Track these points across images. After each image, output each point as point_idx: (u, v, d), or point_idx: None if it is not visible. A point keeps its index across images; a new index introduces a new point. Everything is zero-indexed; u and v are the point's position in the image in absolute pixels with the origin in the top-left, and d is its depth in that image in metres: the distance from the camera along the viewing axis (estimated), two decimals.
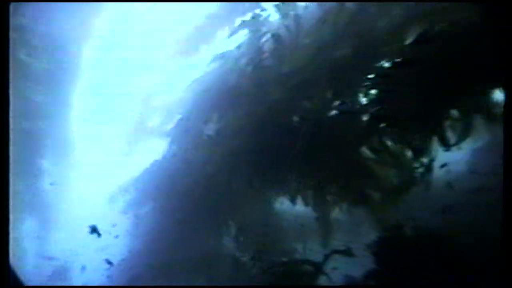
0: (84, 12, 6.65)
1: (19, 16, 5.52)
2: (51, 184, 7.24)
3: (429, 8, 3.73)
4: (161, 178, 6.76)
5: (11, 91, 2.61)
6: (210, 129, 5.84)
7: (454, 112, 3.38)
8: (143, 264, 6.29)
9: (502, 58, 2.93)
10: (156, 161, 7.13)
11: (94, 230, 6.07)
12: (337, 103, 4.14)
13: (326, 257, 4.02)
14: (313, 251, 4.49)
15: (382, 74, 3.80)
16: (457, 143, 3.46)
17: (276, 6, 5.63)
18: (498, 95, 3.34)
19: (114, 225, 6.49)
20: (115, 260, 6.45)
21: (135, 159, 8.09)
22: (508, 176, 2.74)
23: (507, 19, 3.18)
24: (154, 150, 7.09)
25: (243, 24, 5.90)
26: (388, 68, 3.80)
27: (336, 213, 4.30)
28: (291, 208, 4.65)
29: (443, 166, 3.68)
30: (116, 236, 6.67)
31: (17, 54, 6.03)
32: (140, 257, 6.50)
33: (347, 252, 4.05)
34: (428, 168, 3.56)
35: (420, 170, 3.60)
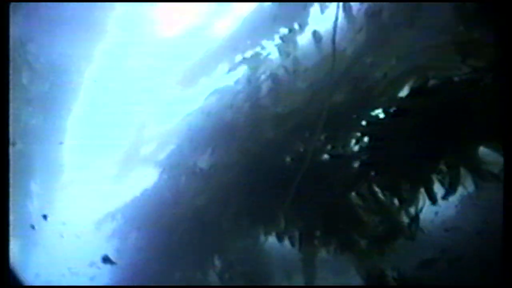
0: (86, 36, 6.74)
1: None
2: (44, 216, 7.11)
3: (424, 63, 3.83)
4: (149, 207, 6.73)
5: None
6: (203, 162, 5.87)
7: (443, 167, 3.41)
8: None
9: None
10: (146, 190, 7.12)
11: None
12: (329, 147, 4.17)
13: None
14: None
15: (375, 122, 3.86)
16: (444, 197, 3.48)
17: (276, 45, 5.76)
18: (487, 153, 3.40)
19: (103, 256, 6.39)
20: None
21: (125, 187, 8.07)
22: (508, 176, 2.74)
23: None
24: (145, 179, 7.09)
25: (243, 61, 6.03)
26: (381, 117, 3.84)
27: (324, 254, 4.29)
28: (279, 246, 4.63)
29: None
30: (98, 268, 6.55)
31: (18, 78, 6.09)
32: None
33: None
34: (414, 218, 3.57)
35: (407, 220, 3.61)
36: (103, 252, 6.76)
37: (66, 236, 7.29)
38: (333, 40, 3.74)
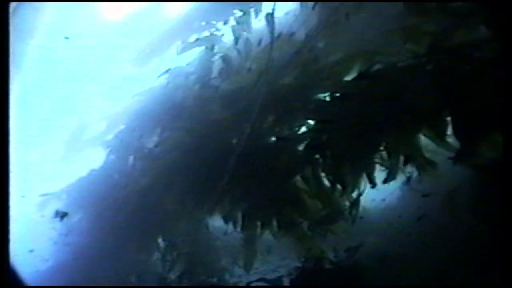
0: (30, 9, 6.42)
1: None
2: None
3: (371, 48, 3.88)
4: (95, 188, 6.55)
5: None
6: (151, 143, 5.75)
7: (383, 153, 3.47)
8: (65, 278, 6.01)
9: None
10: (93, 170, 6.92)
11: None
12: (276, 129, 4.17)
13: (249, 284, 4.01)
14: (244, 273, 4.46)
15: (321, 105, 3.88)
16: (385, 182, 3.54)
17: (232, 27, 5.69)
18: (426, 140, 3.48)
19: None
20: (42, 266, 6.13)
21: (71, 168, 7.81)
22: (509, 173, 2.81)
23: None
24: (93, 159, 6.88)
25: (197, 42, 5.93)
26: (328, 101, 3.87)
27: (269, 237, 4.29)
28: (225, 228, 4.60)
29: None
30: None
31: None
32: (63, 269, 6.21)
33: (273, 282, 4.04)
34: (355, 202, 3.62)
35: (348, 203, 3.66)
36: (47, 233, 6.58)
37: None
38: (272, 18, 3.69)
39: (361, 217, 3.76)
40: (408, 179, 3.62)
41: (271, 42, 3.79)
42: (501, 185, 2.84)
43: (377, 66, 3.77)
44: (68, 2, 6.65)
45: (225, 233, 4.60)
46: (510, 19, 2.96)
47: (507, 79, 2.88)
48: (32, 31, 6.41)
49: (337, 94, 3.88)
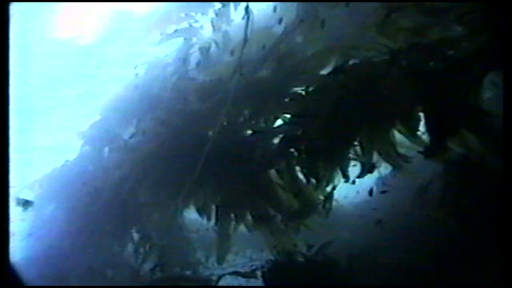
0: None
1: None
2: None
3: (347, 43, 3.90)
4: (69, 179, 6.44)
5: None
6: (127, 134, 5.68)
7: (357, 148, 3.49)
8: (36, 271, 5.90)
9: None
10: (67, 161, 6.81)
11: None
12: (252, 122, 4.16)
13: (219, 278, 4.02)
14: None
15: (296, 99, 3.89)
16: (358, 177, 3.57)
17: (211, 19, 5.65)
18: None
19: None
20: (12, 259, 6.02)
21: (45, 158, 7.66)
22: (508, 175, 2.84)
23: None
24: (67, 150, 6.76)
25: (176, 33, 5.87)
26: (303, 94, 3.88)
27: (240, 229, 4.29)
28: (198, 220, 4.58)
29: None
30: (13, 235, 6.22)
31: None
32: (34, 263, 6.10)
33: (246, 275, 4.05)
34: (329, 196, 3.64)
35: (321, 197, 3.68)
36: (18, 225, 6.44)
37: None
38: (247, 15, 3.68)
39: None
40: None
41: (245, 35, 3.76)
42: (470, 180, 2.91)
43: (352, 61, 3.79)
44: (69, 2, 6.52)
45: (197, 230, 4.61)
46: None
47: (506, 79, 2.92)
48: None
49: (312, 88, 3.88)
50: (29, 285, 2.55)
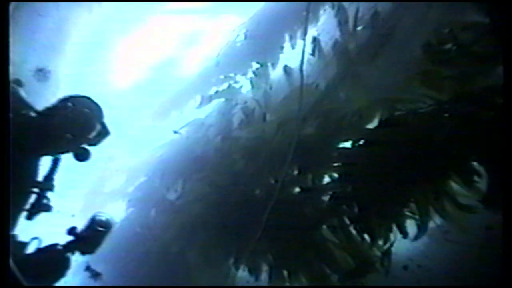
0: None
1: None
2: None
3: (391, 95, 3.91)
4: (116, 241, 6.51)
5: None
6: (173, 195, 5.76)
7: (412, 205, 3.40)
8: None
9: None
10: (115, 223, 6.90)
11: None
12: (300, 180, 4.15)
13: None
14: None
15: (344, 154, 3.87)
16: (416, 237, 3.45)
17: (249, 79, 5.82)
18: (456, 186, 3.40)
19: None
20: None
21: None
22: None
23: None
24: (114, 212, 6.89)
25: (216, 94, 6.06)
26: (351, 148, 3.86)
27: None
28: (249, 278, 4.50)
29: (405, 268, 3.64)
30: None
31: None
32: None
33: None
34: (386, 252, 3.52)
35: (378, 254, 3.56)
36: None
37: None
38: (301, 70, 3.76)
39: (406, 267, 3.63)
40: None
41: (301, 93, 3.81)
42: None
43: (398, 113, 3.77)
44: (69, 2, 6.63)
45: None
46: None
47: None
48: None
49: (359, 143, 3.86)
50: (29, 285, 2.53)
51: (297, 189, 4.18)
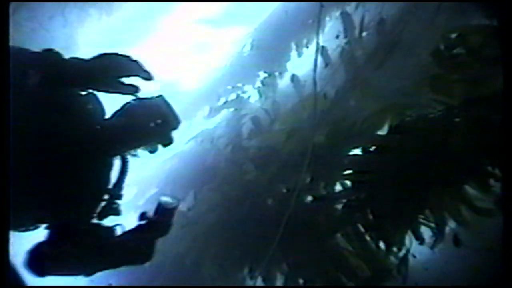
0: None
1: None
2: None
3: (400, 101, 3.91)
4: None
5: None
6: (184, 206, 5.76)
7: (427, 211, 3.38)
8: None
9: None
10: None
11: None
12: (312, 189, 4.15)
13: None
14: None
15: (356, 161, 3.87)
16: (433, 246, 3.43)
17: (256, 88, 5.85)
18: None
19: None
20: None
21: None
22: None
23: None
24: (125, 224, 6.90)
25: (225, 105, 6.09)
26: (362, 155, 3.86)
27: None
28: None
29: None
30: None
31: None
32: None
33: None
34: (403, 260, 3.50)
35: (395, 261, 3.54)
36: None
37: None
38: (314, 81, 3.77)
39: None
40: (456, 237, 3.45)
41: (315, 100, 3.81)
42: None
43: (407, 119, 3.77)
44: (69, 2, 6.55)
45: None
46: None
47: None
48: None
49: (371, 149, 3.86)
50: (29, 285, 2.53)
51: (309, 198, 4.17)
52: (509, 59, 2.86)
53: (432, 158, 3.36)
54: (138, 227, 2.76)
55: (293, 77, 5.06)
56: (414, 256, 3.64)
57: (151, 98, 2.55)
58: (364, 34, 4.86)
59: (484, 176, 3.20)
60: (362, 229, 3.71)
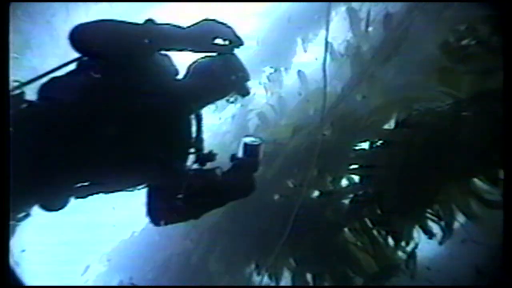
0: None
1: None
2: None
3: (408, 95, 3.87)
4: (137, 249, 6.57)
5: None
6: None
7: (436, 205, 3.35)
8: None
9: None
10: (134, 232, 6.98)
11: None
12: (319, 183, 4.12)
13: None
14: None
15: (363, 155, 3.84)
16: (441, 242, 3.40)
17: (262, 84, 5.83)
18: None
19: None
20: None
21: (113, 230, 7.89)
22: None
23: None
24: (133, 221, 6.94)
25: (232, 100, 6.05)
26: (369, 150, 3.84)
27: None
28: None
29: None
30: None
31: None
32: None
33: None
34: (411, 255, 3.47)
35: (403, 256, 3.52)
36: None
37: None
38: (324, 77, 3.74)
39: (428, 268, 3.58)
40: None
41: (324, 95, 3.78)
42: None
43: (415, 113, 3.73)
44: (70, 2, 6.67)
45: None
46: None
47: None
48: None
49: (378, 144, 3.83)
50: (29, 285, 2.57)
51: (316, 193, 4.16)
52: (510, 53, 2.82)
53: (440, 151, 3.32)
54: (233, 167, 2.94)
55: (299, 73, 5.03)
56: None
57: (225, 54, 2.65)
58: (370, 28, 4.84)
59: (493, 169, 3.15)
60: (370, 224, 3.68)
